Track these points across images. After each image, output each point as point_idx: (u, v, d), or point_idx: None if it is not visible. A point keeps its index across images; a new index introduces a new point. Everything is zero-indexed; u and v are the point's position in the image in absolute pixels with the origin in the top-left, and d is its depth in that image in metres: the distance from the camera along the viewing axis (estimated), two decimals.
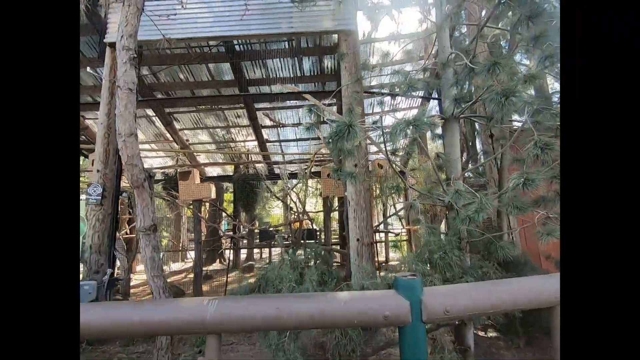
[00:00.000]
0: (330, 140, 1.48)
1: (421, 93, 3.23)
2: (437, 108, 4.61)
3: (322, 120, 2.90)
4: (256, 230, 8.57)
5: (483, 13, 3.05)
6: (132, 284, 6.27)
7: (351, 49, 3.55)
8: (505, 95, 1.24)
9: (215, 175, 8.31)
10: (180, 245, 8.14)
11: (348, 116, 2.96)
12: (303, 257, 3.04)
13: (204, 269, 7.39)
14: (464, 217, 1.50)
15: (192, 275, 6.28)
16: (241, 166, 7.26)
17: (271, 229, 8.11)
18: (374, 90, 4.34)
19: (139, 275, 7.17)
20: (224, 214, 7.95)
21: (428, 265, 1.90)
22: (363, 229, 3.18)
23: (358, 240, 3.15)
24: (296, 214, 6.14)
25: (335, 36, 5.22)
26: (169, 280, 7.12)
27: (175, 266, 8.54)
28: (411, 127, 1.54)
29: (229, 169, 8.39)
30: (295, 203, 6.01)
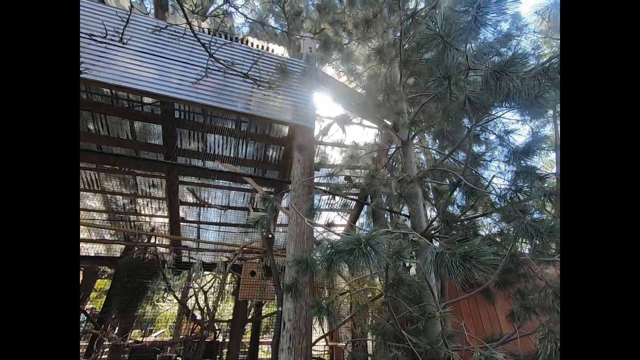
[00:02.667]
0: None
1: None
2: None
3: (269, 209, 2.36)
4: (135, 342, 6.00)
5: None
6: None
7: (307, 144, 3.45)
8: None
9: (93, 255, 6.11)
10: None
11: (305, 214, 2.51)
12: None
13: None
14: None
15: None
16: (136, 247, 5.55)
17: (152, 341, 5.83)
18: (322, 187, 4.18)
19: None
20: (82, 316, 5.47)
21: None
22: None
23: None
24: (197, 324, 4.58)
25: (285, 129, 5.34)
26: None
27: None
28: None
29: (118, 248, 6.35)
30: (202, 308, 4.54)
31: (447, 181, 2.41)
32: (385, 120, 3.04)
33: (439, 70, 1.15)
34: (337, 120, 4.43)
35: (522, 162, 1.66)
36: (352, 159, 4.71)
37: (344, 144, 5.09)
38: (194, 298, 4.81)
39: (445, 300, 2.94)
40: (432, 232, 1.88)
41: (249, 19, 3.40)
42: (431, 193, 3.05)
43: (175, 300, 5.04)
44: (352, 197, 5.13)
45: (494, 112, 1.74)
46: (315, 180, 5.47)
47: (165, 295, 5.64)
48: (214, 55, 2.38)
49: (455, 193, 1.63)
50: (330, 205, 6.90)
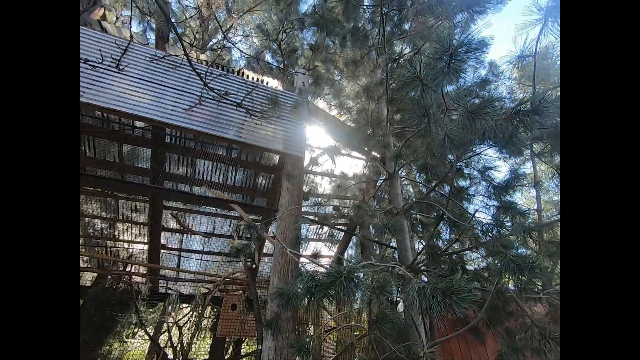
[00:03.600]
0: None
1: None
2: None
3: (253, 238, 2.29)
4: None
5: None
6: None
7: (297, 173, 3.48)
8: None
9: None
10: None
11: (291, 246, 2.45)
12: None
13: None
14: None
15: None
16: (110, 276, 5.20)
17: None
18: (310, 217, 4.14)
19: None
20: None
21: None
22: None
23: None
24: None
25: (276, 157, 5.40)
26: None
27: None
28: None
29: (89, 276, 5.91)
30: (175, 346, 4.17)
31: (434, 214, 2.44)
32: (373, 153, 3.13)
33: (419, 109, 1.23)
34: (327, 151, 4.54)
35: (503, 197, 1.72)
36: (341, 189, 4.76)
37: (333, 174, 5.16)
38: (167, 334, 4.43)
39: (435, 339, 2.81)
40: (419, 265, 1.86)
41: (245, 53, 3.58)
42: (420, 225, 3.07)
43: (147, 337, 4.61)
44: (340, 227, 5.09)
45: (476, 149, 1.83)
46: (304, 209, 5.43)
47: (135, 330, 5.17)
48: (208, 84, 2.46)
49: (440, 226, 1.65)
50: (318, 236, 6.78)
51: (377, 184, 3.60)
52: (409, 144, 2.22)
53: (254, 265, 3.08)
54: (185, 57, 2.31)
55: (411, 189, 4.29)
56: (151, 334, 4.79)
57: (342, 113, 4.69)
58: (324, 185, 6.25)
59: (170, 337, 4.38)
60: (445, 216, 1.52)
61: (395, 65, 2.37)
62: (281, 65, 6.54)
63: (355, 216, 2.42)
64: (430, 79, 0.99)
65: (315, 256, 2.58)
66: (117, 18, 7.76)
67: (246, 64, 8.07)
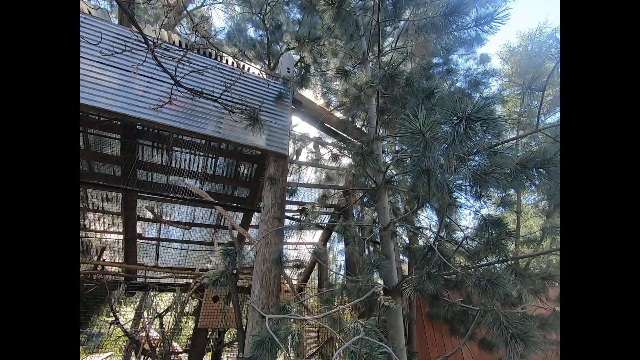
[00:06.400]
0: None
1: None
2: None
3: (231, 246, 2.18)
4: None
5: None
6: None
7: (280, 172, 3.31)
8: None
9: None
10: None
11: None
12: None
13: None
14: None
15: None
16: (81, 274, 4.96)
17: None
18: (291, 215, 4.04)
19: None
20: None
21: None
22: None
23: None
24: (149, 357, 4.16)
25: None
26: None
27: None
28: None
29: None
30: (152, 343, 4.12)
31: (419, 239, 2.42)
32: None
33: (419, 166, 1.12)
34: (313, 141, 4.35)
35: (492, 232, 1.69)
36: (328, 180, 4.65)
37: (319, 164, 5.00)
38: (145, 327, 4.36)
39: (413, 341, 2.91)
40: (404, 288, 1.84)
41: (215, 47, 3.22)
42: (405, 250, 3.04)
43: (122, 332, 4.52)
44: (323, 224, 5.05)
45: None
46: (288, 207, 5.29)
47: (112, 331, 5.02)
48: (180, 81, 2.18)
49: (428, 255, 1.61)
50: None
51: (361, 195, 3.49)
52: (399, 160, 2.12)
53: (234, 271, 2.99)
54: (150, 44, 1.99)
55: (401, 205, 4.17)
56: (128, 329, 4.71)
57: (330, 108, 4.45)
58: (309, 175, 6.11)
59: (147, 335, 4.32)
60: (434, 246, 1.47)
61: (388, 79, 2.18)
62: (265, 41, 6.07)
63: (341, 228, 2.35)
64: (433, 137, 0.87)
65: (298, 267, 2.51)
66: None
67: (227, 38, 7.41)
